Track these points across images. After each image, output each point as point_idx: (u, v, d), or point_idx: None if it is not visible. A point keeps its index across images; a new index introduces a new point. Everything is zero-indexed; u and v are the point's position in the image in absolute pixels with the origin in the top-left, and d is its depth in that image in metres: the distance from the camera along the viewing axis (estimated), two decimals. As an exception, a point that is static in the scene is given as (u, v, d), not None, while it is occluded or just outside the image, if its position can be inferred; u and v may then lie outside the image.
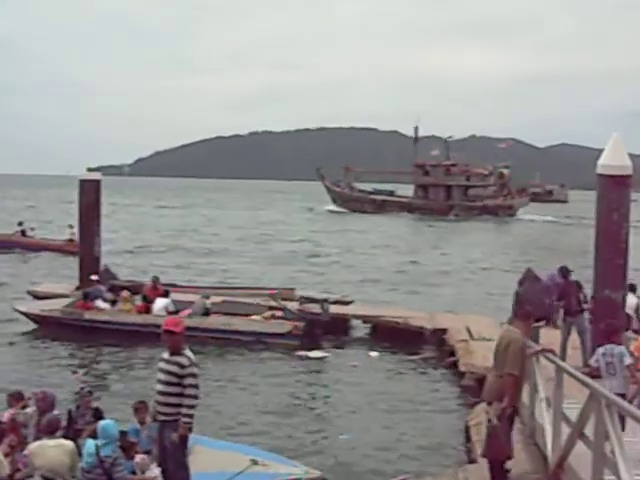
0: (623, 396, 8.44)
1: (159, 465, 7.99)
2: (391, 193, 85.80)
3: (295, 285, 23.53)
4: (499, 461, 8.15)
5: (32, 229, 38.01)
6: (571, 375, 8.14)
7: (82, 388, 10.41)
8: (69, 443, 7.99)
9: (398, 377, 15.69)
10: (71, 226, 37.65)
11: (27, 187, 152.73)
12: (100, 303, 19.35)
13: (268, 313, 19.00)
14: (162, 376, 7.63)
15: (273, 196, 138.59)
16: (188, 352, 7.69)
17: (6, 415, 9.22)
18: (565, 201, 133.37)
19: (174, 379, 7.54)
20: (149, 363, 15.80)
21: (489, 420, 8.05)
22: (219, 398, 13.53)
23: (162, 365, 7.70)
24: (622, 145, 12.29)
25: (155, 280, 19.93)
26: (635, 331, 14.41)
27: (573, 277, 14.72)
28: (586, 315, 13.78)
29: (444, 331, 18.11)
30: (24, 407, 9.36)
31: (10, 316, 19.75)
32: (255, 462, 9.02)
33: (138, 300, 19.21)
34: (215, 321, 18.35)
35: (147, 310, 18.77)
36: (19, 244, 36.02)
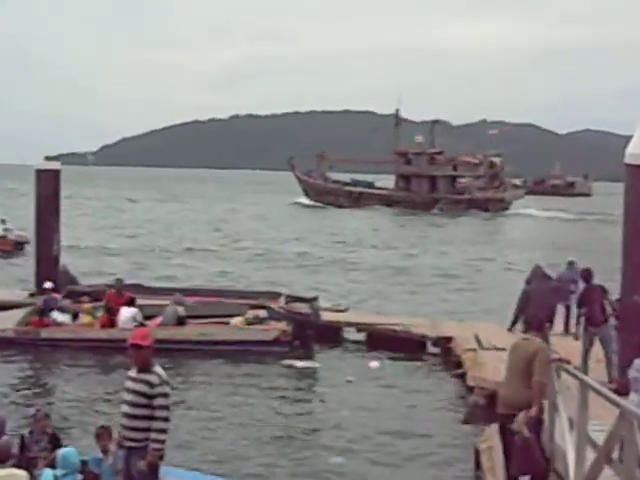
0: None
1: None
2: (370, 184, 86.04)
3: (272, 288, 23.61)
4: (538, 476, 8.38)
5: None
6: (597, 392, 8.12)
7: (37, 410, 10.30)
8: (22, 473, 7.91)
9: (397, 392, 15.68)
10: (3, 221, 37.47)
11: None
12: (57, 315, 19.09)
13: (250, 314, 18.95)
14: (129, 396, 7.57)
15: (254, 188, 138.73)
16: (158, 369, 7.63)
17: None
18: (589, 194, 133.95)
19: (142, 400, 7.48)
20: (113, 383, 15.72)
21: (517, 432, 8.32)
22: (193, 421, 13.42)
23: (129, 384, 7.63)
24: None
25: (118, 284, 19.46)
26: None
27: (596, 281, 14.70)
28: (612, 322, 13.80)
29: (449, 340, 18.12)
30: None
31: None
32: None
33: (101, 310, 19.00)
34: (191, 332, 18.23)
35: (111, 323, 18.54)
36: None
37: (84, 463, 8.68)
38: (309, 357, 17.76)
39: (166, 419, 7.52)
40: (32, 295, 21.07)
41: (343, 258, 39.68)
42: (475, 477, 11.18)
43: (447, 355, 17.80)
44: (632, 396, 8.85)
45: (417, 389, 15.95)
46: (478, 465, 11.22)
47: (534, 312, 13.96)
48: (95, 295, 20.08)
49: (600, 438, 7.95)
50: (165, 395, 7.52)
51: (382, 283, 31.42)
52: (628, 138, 12.50)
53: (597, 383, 8.67)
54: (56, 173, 22.40)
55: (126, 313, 18.52)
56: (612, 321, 13.77)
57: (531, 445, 8.48)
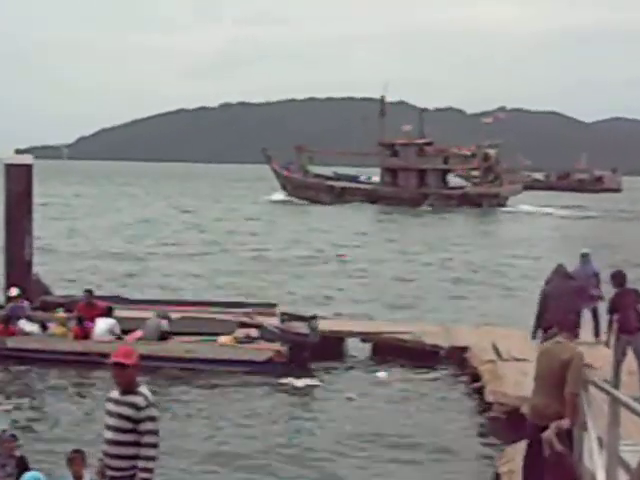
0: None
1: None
2: (354, 178, 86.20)
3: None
4: None
5: None
6: (629, 408, 8.11)
7: (3, 431, 10.30)
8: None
9: (406, 410, 15.65)
10: None
11: None
12: (25, 325, 19.06)
13: (241, 332, 18.84)
14: (112, 421, 7.50)
15: (242, 184, 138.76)
16: (144, 389, 7.55)
17: None
18: (618, 189, 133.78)
19: (128, 424, 7.41)
20: (89, 400, 15.73)
21: (550, 446, 8.50)
22: (179, 447, 13.31)
23: (111, 407, 7.55)
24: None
25: (89, 294, 19.52)
26: None
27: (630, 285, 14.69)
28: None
29: (464, 350, 18.13)
30: None
31: None
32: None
33: (74, 321, 18.92)
34: (176, 348, 18.18)
35: (85, 334, 18.53)
36: None
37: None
38: (307, 376, 17.60)
39: (155, 445, 7.45)
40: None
41: (323, 261, 39.64)
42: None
43: (462, 367, 17.78)
44: None
45: (429, 406, 15.92)
46: (498, 490, 11.24)
47: (562, 313, 14.04)
48: (70, 306, 20.04)
49: (633, 459, 7.95)
50: (153, 419, 7.45)
51: (380, 288, 31.39)
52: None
53: (630, 398, 8.66)
54: (28, 168, 22.35)
55: (102, 324, 18.49)
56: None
57: (564, 459, 8.67)
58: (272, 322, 18.97)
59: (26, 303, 19.89)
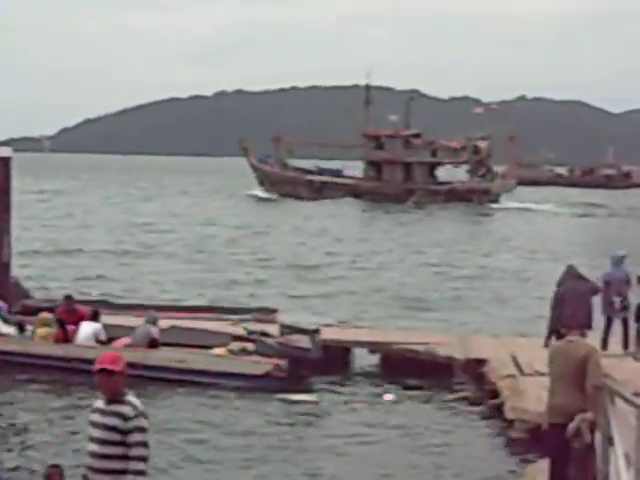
0: None
1: None
2: (338, 172, 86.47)
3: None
4: None
5: None
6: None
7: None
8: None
9: (417, 430, 15.58)
10: None
11: None
12: (1, 326, 19.14)
13: (235, 345, 18.70)
14: (97, 433, 7.50)
15: (221, 176, 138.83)
16: (132, 398, 7.56)
17: None
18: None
19: (115, 436, 7.42)
20: (70, 409, 15.76)
21: (577, 435, 9.36)
22: (168, 464, 13.34)
23: (96, 418, 7.56)
24: None
25: (69, 301, 19.53)
26: None
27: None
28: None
29: (481, 362, 18.12)
30: None
31: None
32: None
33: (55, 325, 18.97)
34: (167, 357, 18.19)
35: (66, 338, 18.60)
36: None
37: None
38: (305, 391, 17.52)
39: (144, 459, 7.45)
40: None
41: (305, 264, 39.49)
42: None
43: (480, 382, 17.72)
44: None
45: (443, 425, 15.88)
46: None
47: (571, 313, 14.26)
48: (52, 311, 20.07)
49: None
50: (142, 430, 7.45)
51: (376, 293, 31.39)
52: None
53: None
54: (6, 161, 22.41)
55: (87, 328, 18.54)
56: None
57: (593, 452, 9.44)
58: (271, 334, 18.87)
59: (2, 304, 19.95)
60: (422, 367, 18.77)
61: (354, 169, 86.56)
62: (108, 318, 19.53)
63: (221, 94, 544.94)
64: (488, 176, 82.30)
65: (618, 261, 17.75)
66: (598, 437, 9.78)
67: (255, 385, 17.59)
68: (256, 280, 33.66)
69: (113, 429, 7.41)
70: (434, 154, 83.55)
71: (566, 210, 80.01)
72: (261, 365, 17.96)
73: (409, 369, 18.81)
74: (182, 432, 15.00)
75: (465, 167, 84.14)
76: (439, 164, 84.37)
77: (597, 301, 17.10)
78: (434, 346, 19.31)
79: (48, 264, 35.74)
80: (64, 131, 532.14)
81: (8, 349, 18.59)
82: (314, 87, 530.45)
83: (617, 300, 16.98)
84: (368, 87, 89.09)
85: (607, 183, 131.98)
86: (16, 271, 23.28)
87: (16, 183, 24.28)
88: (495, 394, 16.38)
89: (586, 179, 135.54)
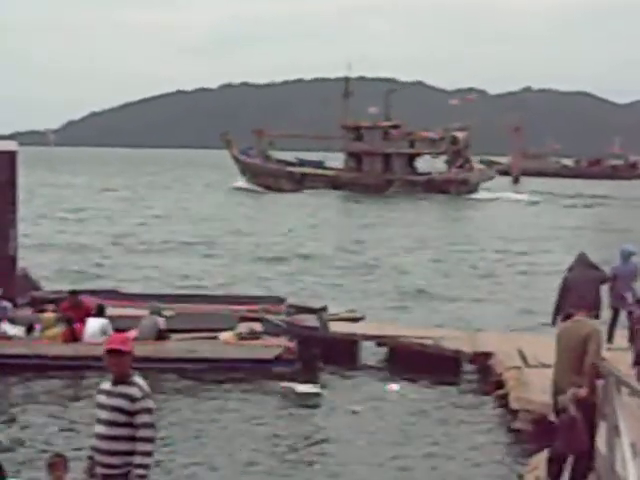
0: None
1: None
2: (319, 164, 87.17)
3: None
4: (581, 455, 9.75)
5: None
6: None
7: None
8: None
9: (424, 421, 15.63)
10: None
11: None
12: (7, 327, 18.91)
13: (243, 327, 18.78)
14: (104, 414, 7.56)
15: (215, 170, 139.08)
16: (138, 379, 7.63)
17: None
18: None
19: (122, 417, 7.47)
20: (74, 403, 15.88)
21: (563, 410, 9.64)
22: (174, 452, 13.41)
23: (103, 399, 7.63)
24: None
25: (73, 295, 19.51)
26: None
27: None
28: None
29: (488, 356, 18.18)
30: None
31: None
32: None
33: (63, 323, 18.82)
34: (175, 348, 18.20)
35: (74, 336, 18.48)
36: None
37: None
38: (313, 380, 17.51)
39: (151, 440, 7.50)
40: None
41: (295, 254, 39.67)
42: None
43: (486, 374, 17.80)
44: None
45: (449, 416, 15.92)
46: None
47: (581, 294, 14.46)
48: (61, 303, 20.05)
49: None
50: (149, 411, 7.51)
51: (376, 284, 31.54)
52: None
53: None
54: (12, 155, 22.38)
55: (94, 324, 18.45)
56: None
57: (577, 424, 9.66)
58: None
59: (9, 304, 19.68)
60: (429, 360, 18.75)
61: (337, 161, 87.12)
62: (113, 310, 19.45)
63: (226, 86, 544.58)
64: (466, 166, 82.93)
65: (627, 256, 17.83)
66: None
67: (267, 369, 17.68)
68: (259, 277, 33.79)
69: (119, 410, 7.47)
70: (412, 145, 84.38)
71: (539, 198, 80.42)
72: (271, 349, 18.03)
73: (416, 362, 18.78)
74: (184, 423, 15.02)
75: (444, 158, 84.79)
76: (417, 155, 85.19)
77: (605, 293, 17.13)
78: (442, 340, 19.33)
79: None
80: (69, 124, 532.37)
81: (16, 352, 18.26)
82: (319, 80, 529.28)
83: (629, 295, 17.04)
84: (347, 79, 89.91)
85: (613, 174, 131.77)
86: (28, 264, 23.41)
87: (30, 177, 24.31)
88: (501, 385, 16.44)
89: (592, 170, 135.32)
